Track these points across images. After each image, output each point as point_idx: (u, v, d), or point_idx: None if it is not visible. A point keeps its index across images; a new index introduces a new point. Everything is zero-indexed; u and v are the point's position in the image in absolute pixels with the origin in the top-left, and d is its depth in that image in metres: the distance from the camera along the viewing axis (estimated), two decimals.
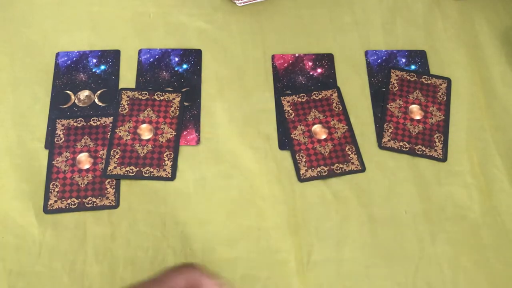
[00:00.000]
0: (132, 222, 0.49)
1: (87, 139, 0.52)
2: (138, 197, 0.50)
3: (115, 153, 0.52)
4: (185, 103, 0.55)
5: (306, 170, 0.51)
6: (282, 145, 0.53)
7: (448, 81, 0.56)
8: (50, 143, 0.52)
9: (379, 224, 0.49)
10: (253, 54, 0.58)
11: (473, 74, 0.57)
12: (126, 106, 0.54)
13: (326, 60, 0.58)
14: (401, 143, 0.53)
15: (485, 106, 0.55)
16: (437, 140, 0.53)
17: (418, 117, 0.54)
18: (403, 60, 0.58)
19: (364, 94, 0.56)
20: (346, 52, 0.58)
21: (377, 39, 0.59)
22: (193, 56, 0.57)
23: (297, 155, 0.52)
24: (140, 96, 0.55)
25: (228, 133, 0.53)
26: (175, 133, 0.53)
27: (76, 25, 0.59)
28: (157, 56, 0.57)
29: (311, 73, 0.57)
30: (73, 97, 0.55)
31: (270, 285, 0.46)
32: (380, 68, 0.57)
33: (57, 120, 0.53)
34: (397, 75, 0.56)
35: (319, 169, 0.51)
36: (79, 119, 0.53)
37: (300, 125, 0.54)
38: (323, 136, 0.53)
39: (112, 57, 0.57)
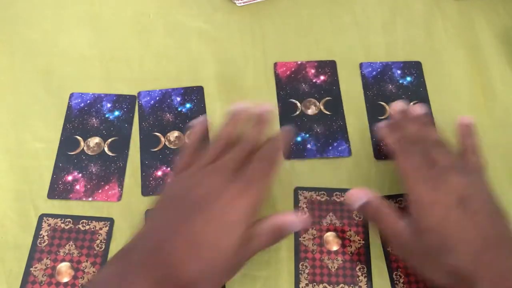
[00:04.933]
0: None
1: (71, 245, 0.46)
2: None
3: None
4: None
5: (307, 285, 0.45)
6: (288, 155, 0.51)
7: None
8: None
9: None
10: (253, 54, 0.58)
11: (473, 74, 0.57)
12: None
13: (328, 67, 0.57)
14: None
15: (485, 106, 0.55)
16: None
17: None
18: (398, 72, 0.57)
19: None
20: (346, 52, 0.58)
21: (377, 39, 0.59)
22: (195, 94, 0.55)
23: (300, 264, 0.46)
24: None
25: None
26: None
27: (76, 25, 0.59)
28: (157, 98, 0.54)
29: (314, 81, 0.56)
30: (82, 143, 0.52)
31: (270, 285, 0.46)
32: (376, 80, 0.56)
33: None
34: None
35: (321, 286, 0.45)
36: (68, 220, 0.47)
37: (312, 229, 0.47)
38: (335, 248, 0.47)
39: (127, 102, 0.54)
